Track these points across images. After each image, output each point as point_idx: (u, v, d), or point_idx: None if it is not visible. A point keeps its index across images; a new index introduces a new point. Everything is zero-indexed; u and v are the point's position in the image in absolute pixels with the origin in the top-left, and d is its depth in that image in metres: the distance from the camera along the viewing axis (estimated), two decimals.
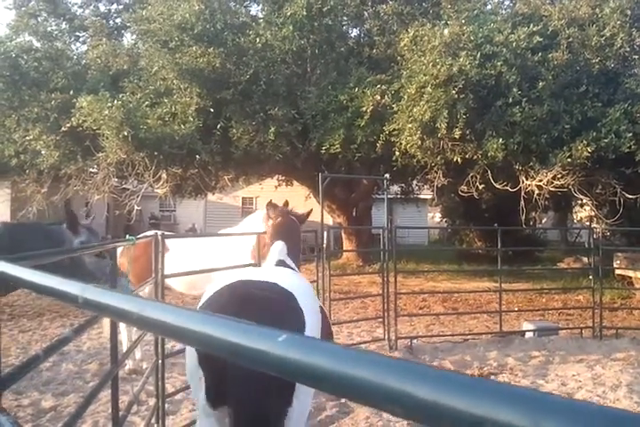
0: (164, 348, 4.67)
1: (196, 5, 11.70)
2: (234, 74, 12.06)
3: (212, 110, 12.07)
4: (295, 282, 3.10)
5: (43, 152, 12.95)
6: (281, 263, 3.80)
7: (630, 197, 11.61)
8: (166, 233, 5.45)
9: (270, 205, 7.00)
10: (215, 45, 11.85)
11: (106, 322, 7.01)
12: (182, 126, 11.37)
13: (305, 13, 12.05)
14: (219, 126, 11.97)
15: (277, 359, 0.75)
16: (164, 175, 12.60)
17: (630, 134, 10.54)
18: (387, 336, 7.90)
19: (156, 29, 12.16)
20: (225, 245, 6.86)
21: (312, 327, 2.75)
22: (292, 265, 3.90)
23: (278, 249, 4.01)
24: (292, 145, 12.62)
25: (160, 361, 4.64)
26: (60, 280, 1.32)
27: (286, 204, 7.09)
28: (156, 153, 11.60)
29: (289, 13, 12.07)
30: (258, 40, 12.25)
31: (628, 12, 11.68)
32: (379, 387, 0.68)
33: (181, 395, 5.54)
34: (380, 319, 8.18)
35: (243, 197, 24.03)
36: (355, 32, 15.69)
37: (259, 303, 2.59)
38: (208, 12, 11.90)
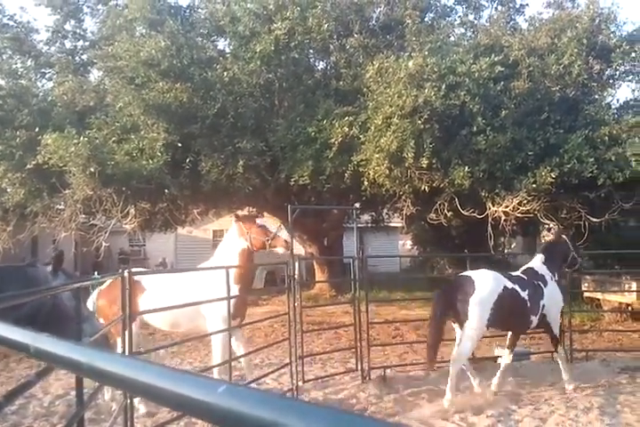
0: None
1: (162, 42, 11.80)
2: (201, 108, 12.13)
3: (179, 145, 12.09)
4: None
5: (8, 190, 12.78)
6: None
7: (595, 220, 11.85)
8: (135, 270, 5.40)
9: (241, 217, 6.97)
10: (182, 80, 11.94)
11: None
12: (150, 161, 11.35)
13: (272, 48, 12.22)
14: (187, 160, 11.99)
15: (219, 410, 0.77)
16: (133, 210, 12.54)
17: (592, 159, 10.83)
18: (360, 367, 7.86)
19: (122, 66, 12.21)
20: (204, 279, 6.66)
21: None
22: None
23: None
24: (261, 177, 12.69)
25: (128, 401, 4.58)
26: (9, 328, 1.31)
27: (256, 216, 7.09)
28: (123, 188, 11.55)
29: (257, 49, 12.21)
30: (225, 74, 12.37)
31: (585, 41, 12.12)
32: None
33: None
34: (353, 350, 8.15)
35: (213, 230, 23.91)
36: (321, 65, 15.95)
37: None
38: (174, 48, 12.01)
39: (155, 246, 25.75)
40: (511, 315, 7.02)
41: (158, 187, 12.03)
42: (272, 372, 7.51)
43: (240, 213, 18.88)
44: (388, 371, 8.08)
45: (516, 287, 7.11)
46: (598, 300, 13.27)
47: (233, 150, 12.12)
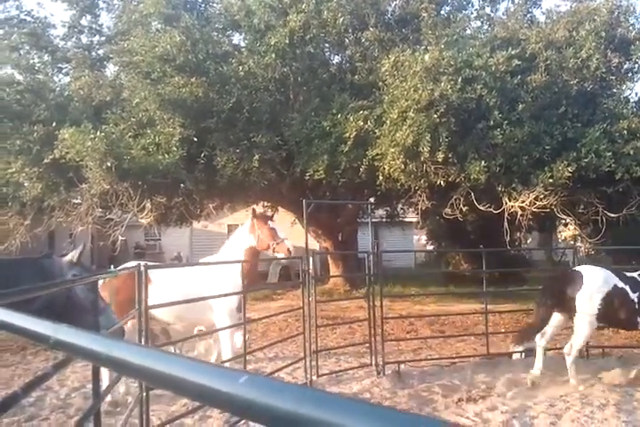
0: None
1: (178, 37, 11.82)
2: (217, 103, 12.13)
3: (195, 139, 12.12)
4: None
5: (25, 184, 12.89)
6: None
7: (612, 215, 11.71)
8: (148, 264, 5.43)
9: (258, 214, 7.06)
10: (197, 75, 11.96)
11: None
12: (166, 156, 11.39)
13: (287, 42, 12.20)
14: (203, 155, 12.00)
15: (240, 400, 0.77)
16: (149, 205, 12.59)
17: (610, 153, 10.69)
18: (374, 362, 7.86)
19: (138, 61, 12.25)
20: (210, 272, 6.81)
21: None
22: None
23: None
24: (276, 171, 12.68)
25: (144, 394, 4.61)
26: (31, 320, 1.33)
27: (271, 217, 7.19)
28: (139, 183, 11.60)
29: (272, 42, 12.22)
30: (240, 68, 12.37)
31: (603, 34, 11.95)
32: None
33: None
34: (367, 345, 8.15)
35: (228, 225, 23.94)
36: (337, 59, 15.89)
37: None
38: (190, 43, 12.02)
39: (170, 240, 25.89)
40: (618, 313, 7.23)
41: (174, 181, 12.07)
42: (286, 366, 7.54)
43: (255, 207, 19.06)
44: (402, 366, 8.07)
45: (627, 288, 7.27)
46: None
47: (248, 145, 12.12)
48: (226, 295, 6.45)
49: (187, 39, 11.97)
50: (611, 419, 6.12)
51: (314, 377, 7.22)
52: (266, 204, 18.57)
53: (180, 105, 11.93)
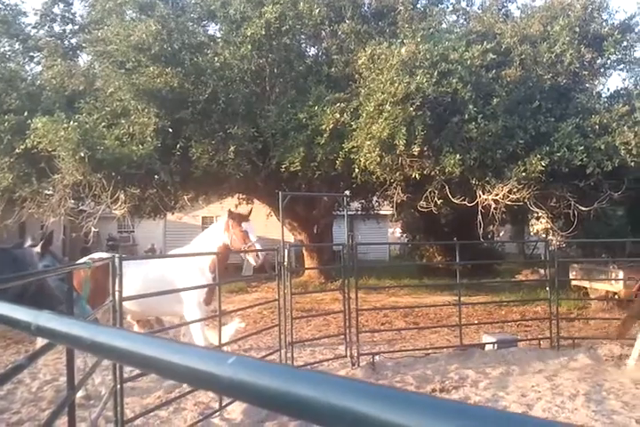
0: (123, 372, 4.60)
1: (153, 26, 11.68)
2: (192, 93, 12.05)
3: (170, 130, 12.02)
4: None
5: None
6: None
7: (584, 209, 11.92)
8: (122, 255, 5.39)
9: (234, 214, 7.07)
10: (173, 65, 11.84)
11: None
12: (140, 147, 11.28)
13: (263, 33, 12.14)
14: (178, 146, 11.92)
15: (229, 381, 0.77)
16: (122, 196, 12.46)
17: (582, 148, 10.86)
18: (348, 353, 7.91)
19: (112, 50, 12.09)
20: (180, 265, 6.84)
21: None
22: None
23: None
24: (252, 163, 12.64)
25: (119, 386, 4.58)
26: (11, 307, 1.31)
27: (250, 211, 7.20)
28: (113, 174, 11.47)
29: (248, 33, 12.14)
30: (216, 59, 12.29)
31: (577, 30, 12.10)
32: (324, 405, 0.70)
33: (141, 420, 5.46)
34: (342, 336, 8.19)
35: (203, 217, 23.85)
36: (313, 51, 15.87)
37: None
38: (165, 33, 11.89)
39: (144, 232, 25.67)
40: None
41: (148, 172, 11.95)
42: (261, 358, 7.53)
43: (230, 198, 18.97)
44: (377, 357, 8.12)
45: None
46: (585, 288, 13.42)
47: (224, 136, 12.06)
48: (195, 288, 6.46)
49: (162, 28, 11.85)
50: (581, 409, 6.23)
51: None
52: (241, 196, 18.51)
53: (155, 95, 11.81)
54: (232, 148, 11.80)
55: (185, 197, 15.20)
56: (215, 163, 12.07)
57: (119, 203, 12.52)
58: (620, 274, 12.10)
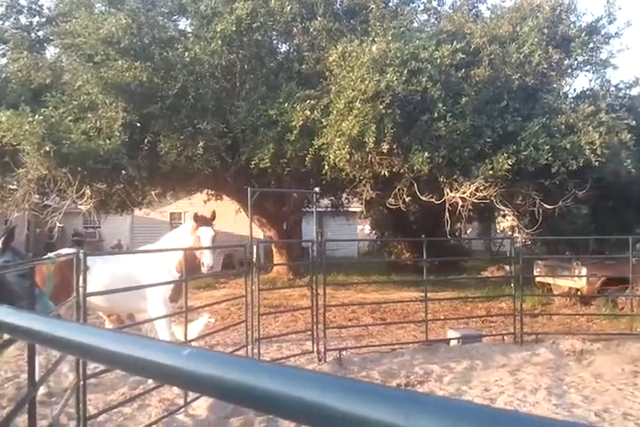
0: (86, 368, 4.57)
1: (123, 19, 11.53)
2: (161, 88, 11.93)
3: (138, 125, 11.90)
4: None
5: None
6: None
7: (548, 207, 12.12)
8: (86, 251, 5.35)
9: (199, 217, 7.08)
10: (142, 59, 11.70)
11: None
12: (107, 141, 11.14)
13: (234, 29, 12.07)
14: (146, 141, 11.80)
15: (184, 373, 0.79)
16: (88, 191, 12.28)
17: (548, 147, 11.04)
18: (315, 349, 7.95)
19: (80, 43, 11.91)
20: (146, 261, 6.82)
21: None
22: None
23: None
24: (221, 159, 12.58)
25: (81, 382, 4.54)
26: None
27: (213, 214, 7.18)
28: (79, 168, 11.31)
29: (218, 29, 12.06)
30: (186, 54, 12.18)
31: (545, 31, 12.25)
32: (279, 396, 0.73)
33: (104, 417, 5.42)
34: (310, 332, 8.22)
35: (171, 213, 23.67)
36: (284, 47, 15.82)
37: None
38: (135, 26, 11.75)
39: (110, 228, 25.35)
40: None
41: (115, 167, 11.81)
42: (227, 354, 7.53)
43: (199, 194, 18.85)
44: (344, 353, 8.19)
45: None
46: (549, 284, 13.68)
47: (193, 131, 11.99)
48: (160, 284, 6.42)
49: (132, 22, 11.70)
50: (542, 402, 6.37)
51: None
52: (210, 192, 18.41)
53: (124, 89, 11.67)
54: (201, 143, 11.74)
55: (152, 192, 15.05)
56: (184, 158, 11.99)
57: (85, 198, 12.35)
58: (583, 271, 12.36)
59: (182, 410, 5.85)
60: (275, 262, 18.02)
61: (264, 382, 0.74)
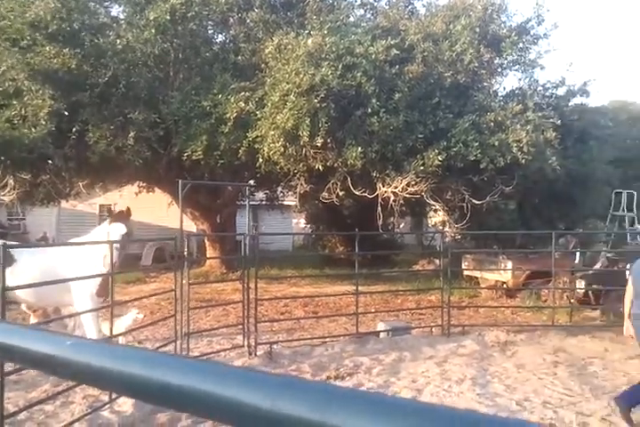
0: (4, 365, 4.40)
1: (52, 3, 11.10)
2: (91, 76, 11.60)
3: (66, 113, 11.53)
4: None
5: None
6: None
7: (477, 202, 12.45)
8: (9, 243, 5.16)
9: (114, 215, 6.95)
10: (71, 46, 11.32)
11: None
12: (33, 130, 10.75)
13: (168, 18, 11.83)
14: (74, 130, 11.45)
15: (67, 363, 0.76)
16: (12, 181, 11.86)
17: (477, 144, 11.32)
18: (246, 343, 7.92)
19: (5, 26, 11.40)
20: (74, 254, 6.65)
21: None
22: None
23: None
24: (152, 150, 12.33)
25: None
26: None
27: (129, 211, 7.04)
28: (2, 158, 10.89)
29: (152, 17, 11.78)
30: (118, 41, 11.86)
31: (477, 30, 12.52)
32: (164, 386, 0.71)
33: (24, 414, 5.25)
34: (241, 326, 8.18)
35: (100, 205, 23.01)
36: (220, 38, 15.63)
37: None
38: (64, 11, 11.34)
39: (36, 220, 24.43)
40: None
41: (41, 157, 11.41)
42: (156, 349, 7.39)
43: (131, 188, 18.40)
44: (275, 346, 8.18)
45: None
46: (477, 278, 14.07)
47: (123, 121, 11.72)
48: (85, 278, 6.25)
49: (61, 6, 11.29)
50: (466, 392, 6.55)
51: None
52: (141, 184, 18.00)
53: (51, 76, 11.28)
54: (132, 133, 11.48)
55: (80, 183, 14.63)
56: (113, 149, 11.70)
57: (8, 189, 11.92)
58: (509, 264, 12.78)
59: (107, 407, 5.72)
60: (208, 256, 17.82)
61: (152, 372, 0.72)
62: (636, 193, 17.00)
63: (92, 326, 6.60)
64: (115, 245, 6.38)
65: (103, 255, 6.45)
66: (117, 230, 6.66)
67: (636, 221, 16.78)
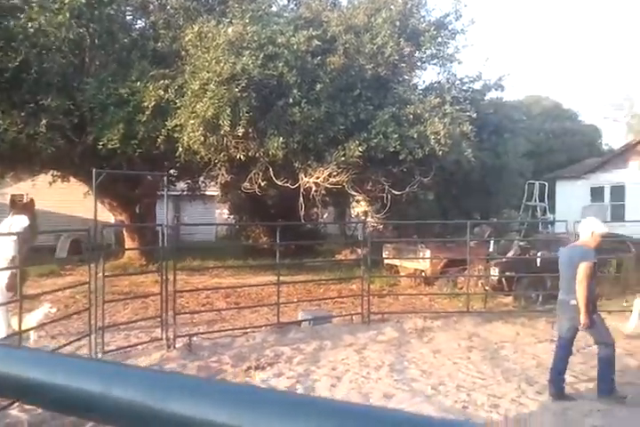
0: None
1: None
2: (0, 60, 11.02)
3: None
4: None
5: None
6: None
7: (397, 193, 12.71)
8: None
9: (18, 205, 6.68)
10: None
11: None
12: None
13: (84, 1, 11.38)
14: None
15: None
16: None
17: (396, 136, 11.56)
18: (165, 336, 7.79)
19: None
20: None
21: None
22: None
23: None
24: (67, 138, 11.89)
25: None
26: None
27: (32, 202, 6.77)
28: None
29: (66, 0, 11.29)
30: (30, 25, 11.30)
31: (397, 23, 12.73)
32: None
33: None
34: (159, 319, 8.04)
35: (12, 195, 21.99)
36: (139, 24, 15.18)
37: None
38: None
39: None
40: None
41: None
42: (69, 343, 7.17)
43: (45, 177, 17.66)
44: (195, 338, 8.09)
45: None
46: (397, 266, 14.36)
47: (35, 108, 11.26)
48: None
49: None
50: (384, 378, 6.71)
51: (99, 354, 6.96)
52: (55, 173, 17.32)
53: None
54: (44, 121, 11.03)
55: None
56: (24, 136, 11.19)
57: None
58: (427, 253, 13.11)
59: (16, 405, 5.50)
60: (126, 247, 17.37)
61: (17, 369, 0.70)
62: (547, 184, 17.83)
63: (1, 320, 6.34)
64: (15, 237, 6.10)
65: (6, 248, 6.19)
66: (19, 223, 6.38)
67: (548, 211, 17.60)
